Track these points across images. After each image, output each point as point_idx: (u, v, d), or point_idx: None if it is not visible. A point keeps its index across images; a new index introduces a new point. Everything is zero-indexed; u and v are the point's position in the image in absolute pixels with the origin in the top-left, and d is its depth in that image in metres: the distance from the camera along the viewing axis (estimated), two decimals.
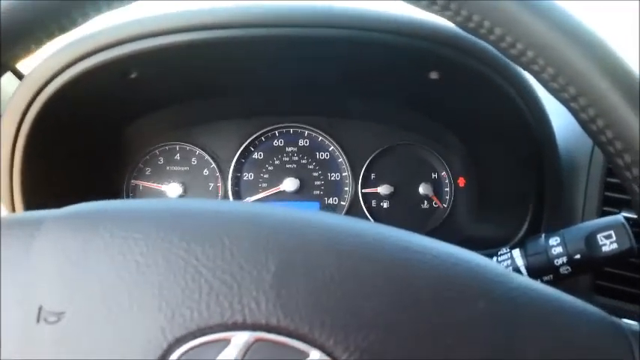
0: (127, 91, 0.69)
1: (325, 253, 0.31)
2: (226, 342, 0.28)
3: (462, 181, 0.84)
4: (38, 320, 0.29)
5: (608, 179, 0.65)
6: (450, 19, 0.34)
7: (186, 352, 0.28)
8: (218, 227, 0.31)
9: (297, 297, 0.29)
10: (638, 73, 0.33)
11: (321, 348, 0.28)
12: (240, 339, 0.28)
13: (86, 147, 0.74)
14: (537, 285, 0.33)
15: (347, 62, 0.68)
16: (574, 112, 0.35)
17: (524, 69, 0.35)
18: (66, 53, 0.60)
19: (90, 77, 0.61)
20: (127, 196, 0.84)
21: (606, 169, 0.65)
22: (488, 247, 0.71)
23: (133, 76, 0.64)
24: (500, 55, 0.37)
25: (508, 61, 0.61)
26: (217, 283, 0.29)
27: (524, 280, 0.33)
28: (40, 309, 0.29)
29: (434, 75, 0.64)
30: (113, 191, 0.83)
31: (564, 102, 0.35)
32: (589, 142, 0.66)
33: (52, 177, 0.69)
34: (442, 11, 0.34)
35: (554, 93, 0.35)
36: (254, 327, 0.29)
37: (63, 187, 0.70)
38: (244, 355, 0.28)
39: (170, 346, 0.28)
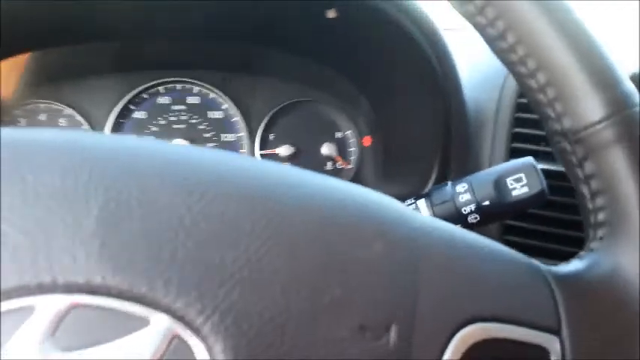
0: None
1: (169, 187, 0.23)
2: (29, 310, 0.20)
3: (367, 140, 0.79)
4: None
5: (516, 129, 0.62)
6: None
7: None
8: (17, 160, 0.23)
9: (131, 246, 0.21)
10: None
11: (167, 311, 0.21)
12: (48, 305, 0.20)
13: None
14: (443, 225, 0.28)
15: None
16: (478, 27, 0.30)
17: None
18: None
19: None
20: None
21: (513, 119, 0.62)
22: None
23: None
24: None
25: None
26: (14, 233, 0.21)
27: (428, 219, 0.28)
28: None
29: (331, 13, 0.57)
30: None
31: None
32: (495, 91, 0.63)
33: None
34: None
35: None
36: (69, 289, 0.20)
37: None
38: (56, 327, 0.20)
39: None
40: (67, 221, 0.21)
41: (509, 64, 0.30)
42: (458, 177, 0.63)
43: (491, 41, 0.30)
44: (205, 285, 0.21)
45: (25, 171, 0.22)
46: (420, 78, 0.61)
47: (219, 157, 0.26)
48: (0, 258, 0.20)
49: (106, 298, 0.21)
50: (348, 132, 0.79)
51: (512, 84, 0.62)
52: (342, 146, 0.79)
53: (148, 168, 0.23)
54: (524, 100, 0.62)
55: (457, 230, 0.28)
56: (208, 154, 0.25)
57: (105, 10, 0.62)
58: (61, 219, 0.21)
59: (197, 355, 0.21)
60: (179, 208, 0.23)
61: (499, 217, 0.44)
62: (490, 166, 0.62)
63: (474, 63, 0.65)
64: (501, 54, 0.30)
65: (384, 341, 0.23)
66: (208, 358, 0.21)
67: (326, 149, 0.79)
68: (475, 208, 0.43)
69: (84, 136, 0.25)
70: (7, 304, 0.20)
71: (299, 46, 0.70)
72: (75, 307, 0.20)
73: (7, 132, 0.24)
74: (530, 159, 0.43)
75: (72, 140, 0.24)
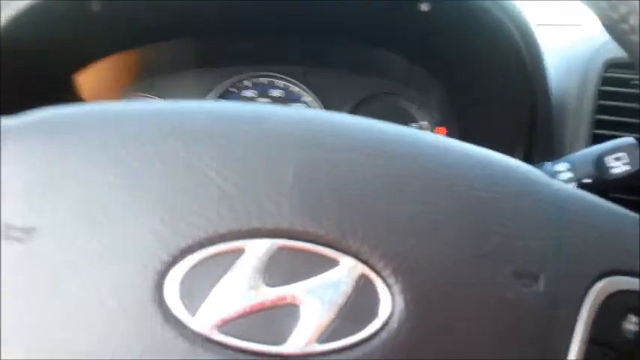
0: (86, 29, 0.61)
1: (349, 151, 0.27)
2: (239, 251, 0.24)
3: (442, 131, 0.81)
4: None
5: (598, 116, 0.63)
6: None
7: (193, 266, 0.23)
8: (220, 125, 0.27)
9: (324, 199, 0.25)
10: None
11: (355, 255, 0.24)
12: (258, 247, 0.24)
13: (32, 97, 0.65)
14: (574, 189, 0.31)
15: None
16: None
17: None
18: None
19: (47, 9, 0.54)
20: None
21: (597, 106, 0.63)
22: None
23: (96, 9, 0.57)
24: None
25: None
26: (227, 185, 0.25)
27: (564, 184, 0.30)
28: (5, 226, 0.24)
29: (424, 6, 0.60)
30: None
31: None
32: (578, 79, 0.65)
33: None
34: None
35: None
36: (275, 233, 0.24)
37: None
38: (264, 266, 0.24)
39: (174, 258, 0.23)
40: (269, 175, 0.25)
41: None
42: (541, 162, 0.65)
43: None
44: (386, 233, 0.25)
45: (229, 134, 0.26)
46: (508, 67, 0.62)
47: (383, 125, 0.29)
48: (218, 206, 0.24)
49: (304, 242, 0.24)
50: (424, 122, 0.82)
51: (595, 72, 0.64)
52: None
53: (328, 132, 0.27)
54: (607, 88, 0.63)
55: (587, 194, 0.30)
56: (374, 123, 0.29)
57: (194, 8, 0.67)
58: (263, 173, 0.25)
59: (380, 292, 0.24)
60: (359, 167, 0.26)
61: (598, 194, 0.46)
62: (572, 152, 0.64)
63: (556, 52, 0.66)
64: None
65: (534, 288, 0.26)
66: (389, 295, 0.24)
67: None
68: (576, 186, 0.45)
69: (269, 107, 0.29)
70: (221, 247, 0.24)
71: (386, 40, 0.73)
72: (280, 249, 0.24)
73: (208, 104, 0.28)
74: (631, 139, 0.45)
75: (261, 111, 0.28)
